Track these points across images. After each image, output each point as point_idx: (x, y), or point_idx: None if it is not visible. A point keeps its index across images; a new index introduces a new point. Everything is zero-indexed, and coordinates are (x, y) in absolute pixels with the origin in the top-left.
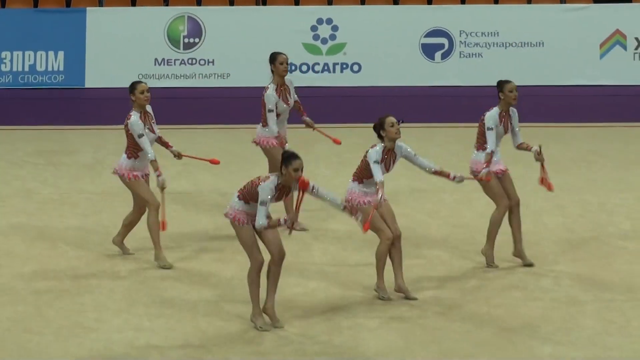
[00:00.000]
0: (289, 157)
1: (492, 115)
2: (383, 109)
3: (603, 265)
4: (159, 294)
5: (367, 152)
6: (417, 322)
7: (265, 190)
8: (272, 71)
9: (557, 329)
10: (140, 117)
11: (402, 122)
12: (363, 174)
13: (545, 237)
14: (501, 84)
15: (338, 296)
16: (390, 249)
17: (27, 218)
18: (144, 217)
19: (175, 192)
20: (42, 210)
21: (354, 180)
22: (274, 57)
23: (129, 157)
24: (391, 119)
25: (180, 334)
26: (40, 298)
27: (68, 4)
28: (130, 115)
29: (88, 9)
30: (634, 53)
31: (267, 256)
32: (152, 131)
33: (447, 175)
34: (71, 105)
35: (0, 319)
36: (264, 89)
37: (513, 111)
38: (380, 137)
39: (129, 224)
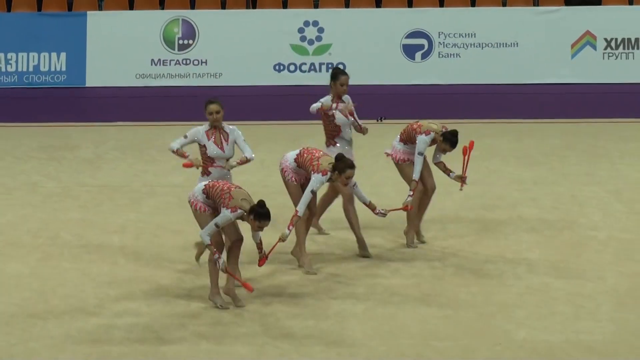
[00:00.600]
0: (344, 167)
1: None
2: (367, 107)
3: (575, 254)
4: (155, 280)
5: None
6: (399, 307)
7: (317, 181)
8: (331, 87)
9: (531, 314)
10: (208, 131)
11: (383, 119)
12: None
13: (520, 227)
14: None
15: (325, 283)
16: (422, 198)
17: (32, 210)
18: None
19: (171, 185)
20: (46, 203)
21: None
22: (335, 75)
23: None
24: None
25: (176, 319)
26: (44, 285)
27: (70, 8)
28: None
29: (88, 12)
30: (603, 53)
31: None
32: (222, 149)
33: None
34: (73, 103)
35: (7, 305)
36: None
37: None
38: None
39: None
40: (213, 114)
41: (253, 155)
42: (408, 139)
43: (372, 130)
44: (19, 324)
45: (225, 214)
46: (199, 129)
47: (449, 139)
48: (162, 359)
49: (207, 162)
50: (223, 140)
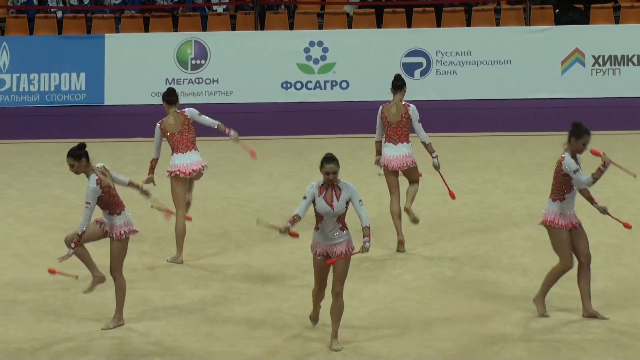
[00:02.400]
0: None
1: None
2: (368, 122)
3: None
4: (172, 287)
5: (559, 163)
6: (401, 311)
7: (309, 187)
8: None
9: (526, 316)
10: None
11: None
12: (562, 190)
13: (515, 234)
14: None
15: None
16: (580, 271)
17: (55, 221)
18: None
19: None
20: (68, 214)
21: (553, 200)
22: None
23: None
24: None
25: (190, 324)
26: (67, 292)
27: (89, 31)
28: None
29: (106, 35)
30: (591, 69)
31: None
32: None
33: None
34: (92, 120)
35: (33, 311)
36: None
37: None
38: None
39: None
40: (330, 174)
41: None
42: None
43: (371, 144)
44: (43, 329)
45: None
46: (313, 185)
47: None
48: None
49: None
50: (334, 197)
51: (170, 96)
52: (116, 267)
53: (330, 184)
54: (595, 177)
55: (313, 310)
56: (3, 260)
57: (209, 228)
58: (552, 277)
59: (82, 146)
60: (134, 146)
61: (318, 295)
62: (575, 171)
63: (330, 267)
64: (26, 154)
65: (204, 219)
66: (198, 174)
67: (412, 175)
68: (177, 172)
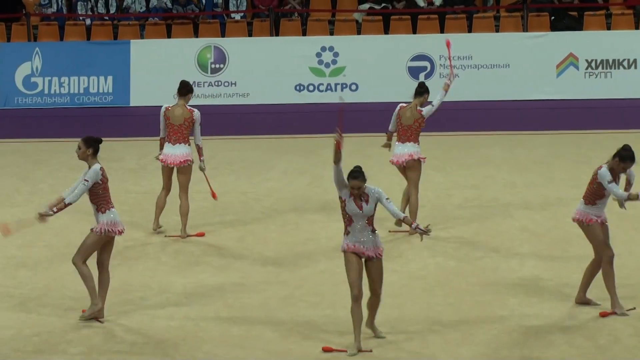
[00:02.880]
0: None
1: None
2: (376, 122)
3: (561, 249)
4: (194, 275)
5: (595, 173)
6: (406, 297)
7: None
8: None
9: (522, 302)
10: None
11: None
12: (594, 196)
13: (513, 226)
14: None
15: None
16: (592, 262)
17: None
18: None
19: (204, 192)
20: None
21: (585, 203)
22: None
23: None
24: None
25: (210, 309)
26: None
27: (115, 37)
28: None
29: (132, 41)
30: (585, 72)
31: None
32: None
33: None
34: (118, 120)
35: (64, 298)
36: None
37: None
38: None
39: None
40: (355, 189)
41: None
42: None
43: (379, 143)
44: (74, 315)
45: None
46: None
47: None
48: (200, 344)
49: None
50: (363, 202)
51: (183, 88)
52: (81, 255)
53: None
54: (631, 198)
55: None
56: (37, 251)
57: (228, 221)
58: (603, 272)
59: (98, 139)
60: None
61: (358, 301)
62: (609, 182)
63: (363, 266)
64: (57, 152)
65: (224, 212)
66: (180, 165)
67: (410, 172)
68: (161, 160)
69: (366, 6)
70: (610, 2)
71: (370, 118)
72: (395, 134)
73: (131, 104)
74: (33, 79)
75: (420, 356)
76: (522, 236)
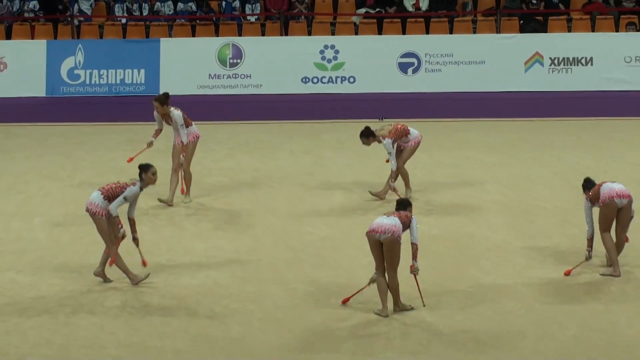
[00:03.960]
0: (145, 166)
1: None
2: (372, 108)
3: (528, 219)
4: (212, 240)
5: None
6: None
7: (132, 191)
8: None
9: (495, 264)
10: (140, 188)
11: (383, 118)
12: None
13: (487, 199)
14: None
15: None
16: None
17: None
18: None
19: (223, 169)
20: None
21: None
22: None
23: (104, 199)
24: None
25: (228, 269)
26: (127, 244)
27: (147, 35)
28: (135, 183)
29: (162, 39)
30: (549, 68)
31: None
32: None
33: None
34: (150, 107)
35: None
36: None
37: None
38: None
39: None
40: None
41: None
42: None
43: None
44: (111, 277)
45: (131, 189)
46: None
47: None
48: (218, 299)
49: None
50: None
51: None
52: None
53: None
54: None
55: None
56: (79, 219)
57: (242, 192)
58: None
59: (167, 95)
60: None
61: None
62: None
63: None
64: (96, 134)
65: (238, 185)
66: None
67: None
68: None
69: (363, 10)
70: (570, 8)
71: (366, 106)
72: None
73: (161, 93)
74: (76, 71)
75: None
76: (494, 208)
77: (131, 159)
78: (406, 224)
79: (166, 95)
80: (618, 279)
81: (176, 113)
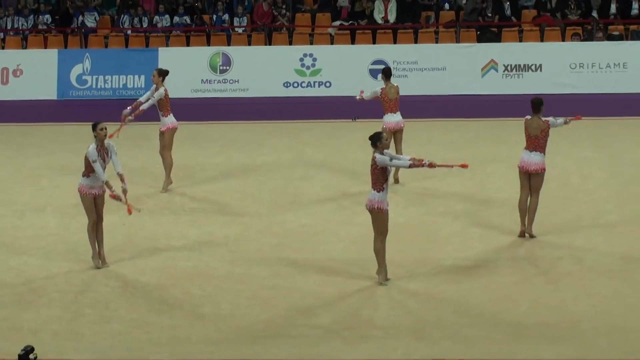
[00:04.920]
0: (94, 124)
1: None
2: (346, 110)
3: (485, 208)
4: (204, 227)
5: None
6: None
7: (91, 152)
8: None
9: (455, 248)
10: (97, 148)
11: (356, 119)
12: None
13: (448, 191)
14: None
15: (320, 228)
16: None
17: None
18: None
19: (214, 164)
20: (132, 175)
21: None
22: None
23: (84, 176)
24: None
25: (218, 253)
26: (128, 230)
27: (147, 45)
28: (90, 146)
29: (159, 48)
30: (503, 74)
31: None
32: (104, 160)
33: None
34: (150, 109)
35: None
36: None
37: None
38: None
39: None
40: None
41: None
42: None
43: (348, 126)
44: (113, 260)
45: (89, 152)
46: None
47: None
48: (209, 279)
49: None
50: None
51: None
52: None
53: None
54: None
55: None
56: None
57: (231, 185)
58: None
59: (167, 72)
60: (180, 127)
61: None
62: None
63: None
64: None
65: (228, 178)
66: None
67: (536, 180)
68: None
69: (337, 23)
70: (522, 20)
71: (341, 107)
72: None
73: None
74: (84, 77)
75: (375, 289)
76: (455, 198)
77: (111, 135)
78: None
79: (167, 71)
80: (567, 260)
81: (159, 92)
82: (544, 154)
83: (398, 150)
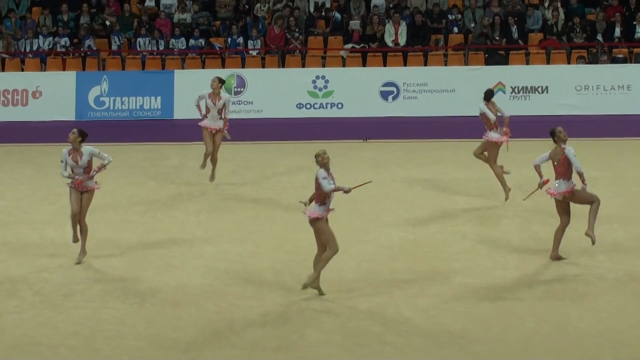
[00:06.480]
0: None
1: None
2: (356, 131)
3: (492, 225)
4: (219, 245)
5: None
6: (378, 263)
7: (62, 153)
8: None
9: (463, 266)
10: (69, 151)
11: (367, 139)
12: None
13: (457, 208)
14: None
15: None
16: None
17: (139, 199)
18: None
19: (230, 183)
20: (149, 194)
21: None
22: None
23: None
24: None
25: (233, 270)
26: (144, 248)
27: (163, 67)
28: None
29: (175, 70)
30: (510, 95)
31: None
32: (76, 162)
33: None
34: (165, 130)
35: (114, 268)
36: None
37: None
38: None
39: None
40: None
41: None
42: None
43: (358, 147)
44: (130, 274)
45: (61, 153)
46: None
47: None
48: (224, 296)
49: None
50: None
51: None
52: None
53: None
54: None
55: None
56: (103, 226)
57: (246, 205)
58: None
59: (84, 133)
60: (196, 148)
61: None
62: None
63: None
64: (119, 153)
65: (242, 197)
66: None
67: (575, 199)
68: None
69: (349, 46)
70: (528, 44)
71: (352, 128)
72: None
73: (175, 117)
74: (102, 98)
75: (386, 305)
76: (464, 216)
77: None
78: None
79: (223, 80)
80: (573, 278)
81: (227, 97)
82: (570, 180)
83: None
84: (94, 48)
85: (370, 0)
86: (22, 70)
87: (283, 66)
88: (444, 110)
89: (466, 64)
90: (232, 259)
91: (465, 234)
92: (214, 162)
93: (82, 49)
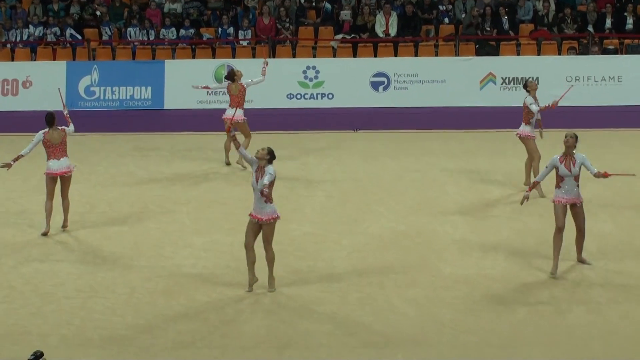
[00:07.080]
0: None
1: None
2: (348, 121)
3: (483, 216)
4: (209, 235)
5: None
6: (369, 253)
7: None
8: None
9: (455, 257)
10: (45, 132)
11: (358, 130)
12: None
13: (447, 200)
14: None
15: (320, 237)
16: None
17: (129, 189)
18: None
19: (221, 173)
20: (139, 185)
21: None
22: None
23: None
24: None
25: (223, 261)
26: (136, 238)
27: (154, 57)
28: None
29: (166, 60)
30: (501, 86)
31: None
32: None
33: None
34: (156, 119)
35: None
36: None
37: None
38: None
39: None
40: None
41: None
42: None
43: (350, 137)
44: (123, 261)
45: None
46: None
47: None
48: (214, 286)
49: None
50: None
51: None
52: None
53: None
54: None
55: None
56: (94, 216)
57: (236, 193)
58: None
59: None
60: (186, 137)
61: None
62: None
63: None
64: (109, 143)
65: (233, 187)
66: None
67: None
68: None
69: (340, 36)
70: (519, 34)
71: (343, 118)
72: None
73: (165, 107)
74: (92, 88)
75: (377, 295)
76: (454, 207)
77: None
78: None
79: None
80: (563, 269)
81: (247, 82)
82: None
83: None
84: (79, 37)
85: None
86: (12, 59)
87: (274, 57)
88: (435, 101)
89: (457, 54)
90: (222, 249)
91: (456, 225)
92: (227, 149)
93: (65, 39)
